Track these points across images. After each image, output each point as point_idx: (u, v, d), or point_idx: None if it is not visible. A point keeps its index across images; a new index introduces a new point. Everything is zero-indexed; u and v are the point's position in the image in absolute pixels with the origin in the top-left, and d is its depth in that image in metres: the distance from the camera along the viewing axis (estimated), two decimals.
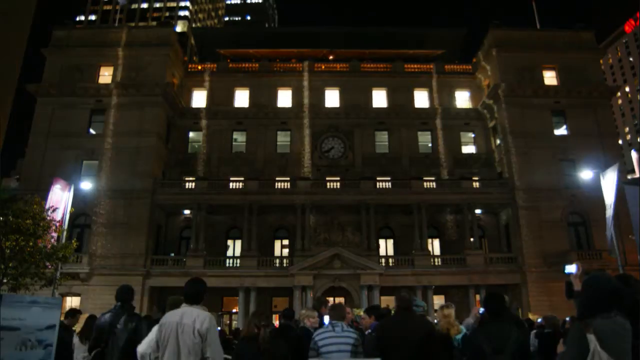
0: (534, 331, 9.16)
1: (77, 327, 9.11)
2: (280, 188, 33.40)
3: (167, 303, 6.16)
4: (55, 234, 18.66)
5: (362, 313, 7.79)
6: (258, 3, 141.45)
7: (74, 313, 9.22)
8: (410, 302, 4.86)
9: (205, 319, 4.37)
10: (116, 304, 6.50)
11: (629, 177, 25.98)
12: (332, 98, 38.90)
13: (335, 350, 5.35)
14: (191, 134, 38.26)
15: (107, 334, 6.31)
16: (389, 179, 35.19)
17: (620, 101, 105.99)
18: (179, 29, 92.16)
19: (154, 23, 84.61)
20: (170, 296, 6.15)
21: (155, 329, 4.93)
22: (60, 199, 19.11)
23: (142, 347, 5.04)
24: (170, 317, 4.50)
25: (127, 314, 6.28)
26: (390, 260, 32.12)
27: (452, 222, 35.10)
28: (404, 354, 4.37)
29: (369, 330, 7.07)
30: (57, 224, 18.73)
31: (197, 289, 4.61)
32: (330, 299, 31.69)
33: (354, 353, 5.39)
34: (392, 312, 7.05)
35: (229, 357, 6.74)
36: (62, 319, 7.32)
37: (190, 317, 4.37)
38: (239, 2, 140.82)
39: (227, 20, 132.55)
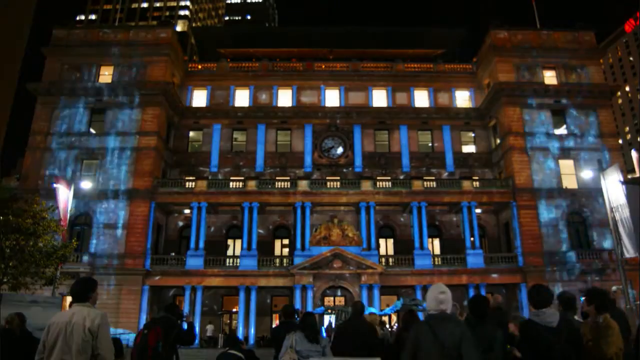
0: None
1: None
2: (280, 187, 33.38)
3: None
4: (56, 235, 18.67)
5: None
6: (258, 2, 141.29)
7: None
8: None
9: (96, 316, 4.34)
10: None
11: (629, 176, 25.96)
12: (332, 97, 38.88)
13: None
14: (191, 134, 38.27)
15: None
16: (388, 178, 35.24)
17: (620, 101, 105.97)
18: (179, 28, 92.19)
19: (154, 22, 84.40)
20: (169, 296, 6.15)
21: None
22: (61, 198, 19.15)
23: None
24: (60, 317, 4.41)
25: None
26: (391, 259, 32.12)
27: (452, 222, 35.18)
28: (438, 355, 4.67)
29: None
30: (58, 224, 18.76)
31: (83, 287, 4.57)
32: (331, 299, 31.89)
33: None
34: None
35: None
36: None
37: (81, 315, 4.33)
38: (239, 1, 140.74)
39: (227, 20, 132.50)
